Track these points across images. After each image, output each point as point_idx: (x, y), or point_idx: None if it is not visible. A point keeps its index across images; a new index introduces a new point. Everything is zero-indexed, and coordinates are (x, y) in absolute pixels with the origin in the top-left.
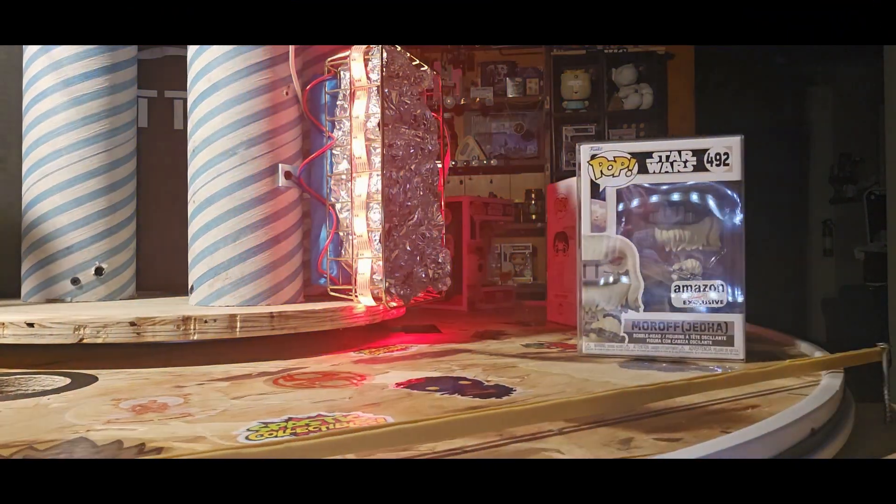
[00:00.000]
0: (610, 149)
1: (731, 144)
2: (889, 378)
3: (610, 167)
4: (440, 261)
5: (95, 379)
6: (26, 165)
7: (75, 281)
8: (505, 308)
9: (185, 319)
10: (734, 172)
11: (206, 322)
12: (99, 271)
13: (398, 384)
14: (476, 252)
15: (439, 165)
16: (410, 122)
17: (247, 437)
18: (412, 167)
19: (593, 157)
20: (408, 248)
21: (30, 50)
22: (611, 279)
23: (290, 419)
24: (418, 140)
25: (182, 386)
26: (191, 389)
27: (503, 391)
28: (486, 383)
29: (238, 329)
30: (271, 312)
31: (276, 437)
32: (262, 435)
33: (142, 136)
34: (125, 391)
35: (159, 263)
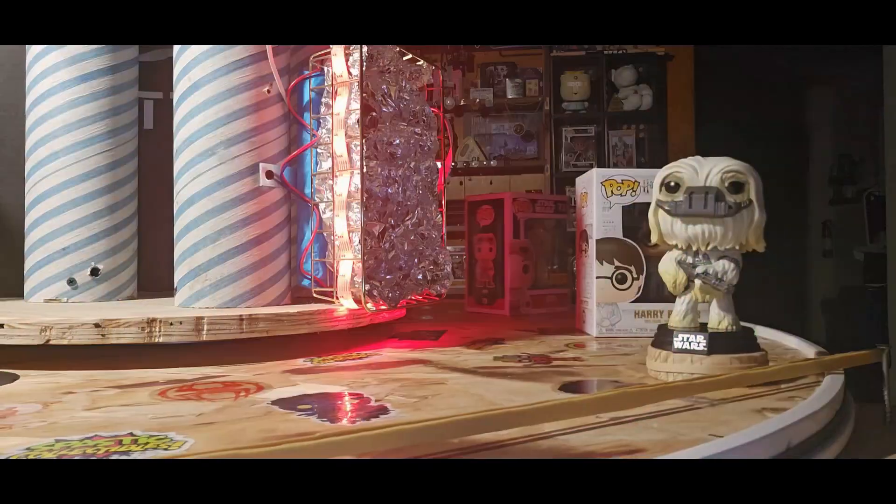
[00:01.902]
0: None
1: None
2: (889, 379)
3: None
4: (439, 262)
5: (15, 379)
6: (28, 166)
7: (71, 281)
8: (556, 313)
9: (150, 322)
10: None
11: (171, 324)
12: (94, 272)
13: (275, 401)
14: (520, 253)
15: (438, 165)
16: (409, 119)
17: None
18: (411, 165)
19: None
20: (406, 248)
21: (32, 51)
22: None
23: (95, 437)
24: (417, 136)
25: (71, 392)
26: (72, 398)
27: (375, 414)
28: (374, 402)
29: (205, 332)
30: (241, 315)
31: (39, 457)
32: (27, 456)
33: (148, 137)
34: (6, 397)
35: (166, 263)
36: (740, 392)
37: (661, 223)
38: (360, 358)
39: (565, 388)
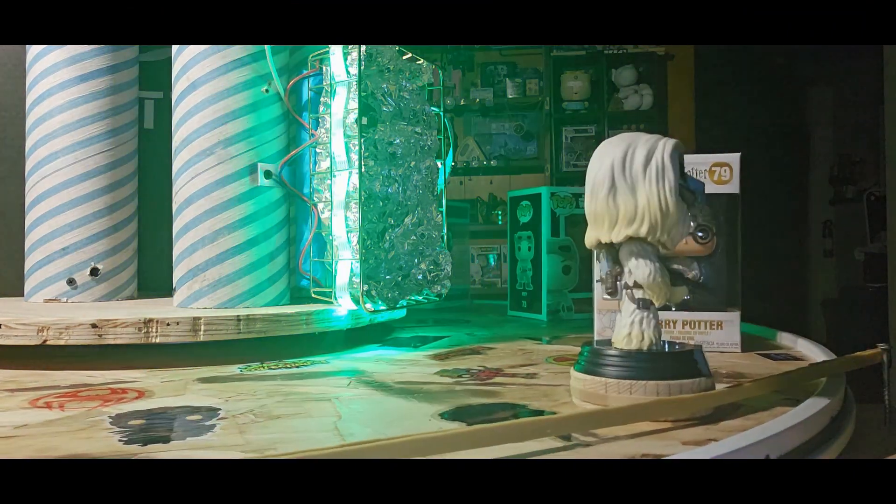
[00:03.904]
0: None
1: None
2: (889, 379)
3: None
4: (439, 262)
5: None
6: (28, 166)
7: (71, 281)
8: None
9: (147, 322)
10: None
11: (168, 325)
12: (94, 272)
13: (121, 414)
14: (560, 252)
15: (439, 164)
16: (409, 118)
17: None
18: (411, 164)
19: None
20: (406, 248)
21: (32, 51)
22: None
23: None
24: (417, 136)
25: None
26: None
27: (184, 436)
28: (213, 421)
29: (202, 332)
30: (238, 315)
31: None
32: None
33: (148, 137)
34: None
35: (166, 263)
36: (645, 430)
37: (679, 215)
38: (299, 366)
39: (451, 414)
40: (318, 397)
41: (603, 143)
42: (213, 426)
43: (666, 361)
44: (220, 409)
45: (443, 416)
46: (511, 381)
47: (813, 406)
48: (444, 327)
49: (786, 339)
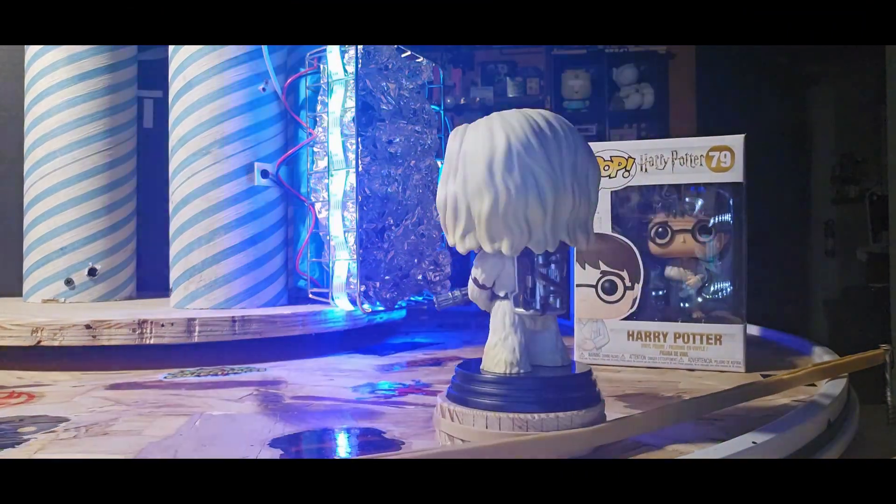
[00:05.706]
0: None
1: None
2: (891, 379)
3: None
4: (440, 262)
5: None
6: (27, 165)
7: (69, 281)
8: None
9: (141, 323)
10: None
11: (162, 326)
12: (92, 272)
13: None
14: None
15: (439, 163)
16: (409, 117)
17: None
18: (411, 163)
19: None
20: (405, 248)
21: (30, 50)
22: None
23: None
24: (417, 134)
25: None
26: None
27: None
28: (53, 431)
29: (196, 334)
30: (233, 316)
31: None
32: None
33: (148, 136)
34: None
35: (166, 263)
36: None
37: None
38: (229, 373)
39: (280, 440)
40: (187, 412)
41: (483, 125)
42: (26, 440)
43: (545, 389)
44: (67, 420)
45: (271, 444)
46: (419, 400)
47: (721, 452)
48: (450, 332)
49: (817, 354)
